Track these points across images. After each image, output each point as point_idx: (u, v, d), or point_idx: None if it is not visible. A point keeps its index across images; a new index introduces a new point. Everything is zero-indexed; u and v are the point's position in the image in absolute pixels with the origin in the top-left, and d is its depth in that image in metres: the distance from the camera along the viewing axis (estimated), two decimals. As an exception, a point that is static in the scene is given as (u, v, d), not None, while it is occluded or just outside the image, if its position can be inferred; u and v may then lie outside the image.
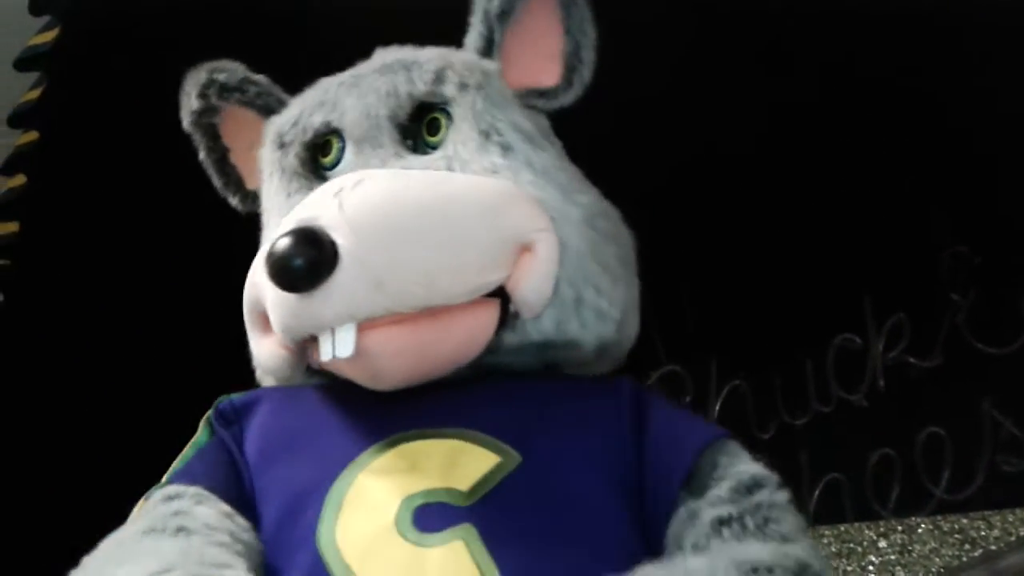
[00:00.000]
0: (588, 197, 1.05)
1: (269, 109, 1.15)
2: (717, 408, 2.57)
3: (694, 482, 0.91)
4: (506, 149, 1.01)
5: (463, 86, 1.03)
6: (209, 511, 0.89)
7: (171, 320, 2.75)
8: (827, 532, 2.35)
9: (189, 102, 1.18)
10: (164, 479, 0.97)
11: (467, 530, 0.85)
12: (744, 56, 2.35)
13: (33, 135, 2.76)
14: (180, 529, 0.87)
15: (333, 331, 0.91)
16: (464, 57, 1.08)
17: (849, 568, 2.32)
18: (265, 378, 1.07)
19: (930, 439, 2.26)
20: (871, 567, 2.30)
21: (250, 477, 0.95)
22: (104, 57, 2.58)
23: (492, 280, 0.94)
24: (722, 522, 0.87)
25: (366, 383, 0.96)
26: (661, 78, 2.31)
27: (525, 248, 0.96)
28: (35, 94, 2.70)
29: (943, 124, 2.19)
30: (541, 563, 0.82)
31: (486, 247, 0.94)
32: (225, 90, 1.16)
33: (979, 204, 2.18)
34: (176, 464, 0.98)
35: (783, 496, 0.91)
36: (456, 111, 1.03)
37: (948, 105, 2.19)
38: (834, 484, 2.40)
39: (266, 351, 1.02)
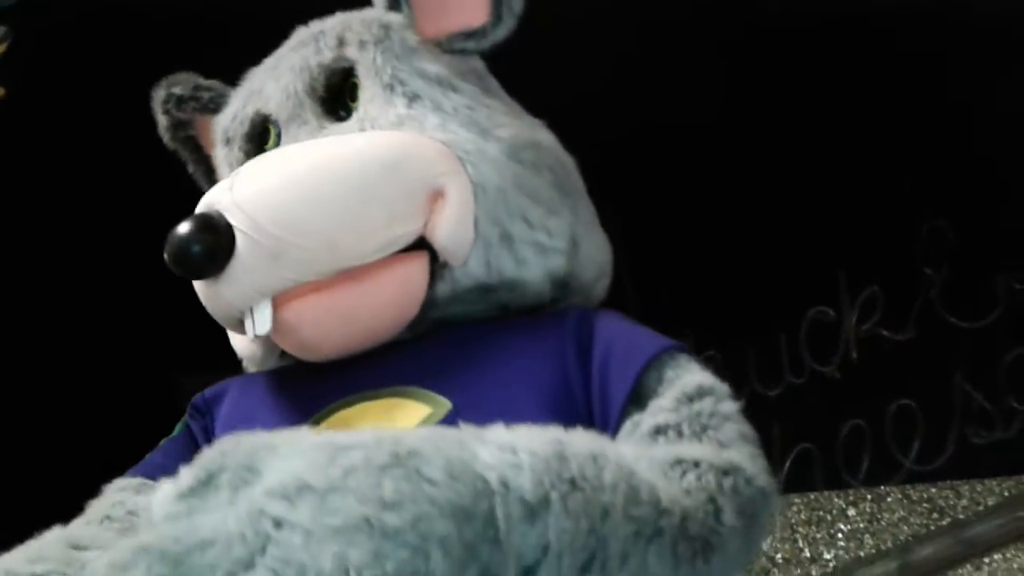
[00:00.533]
0: (511, 130, 1.01)
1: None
2: (690, 379, 2.57)
3: (641, 396, 0.89)
4: (412, 98, 1.00)
5: (362, 44, 1.02)
6: (144, 500, 0.90)
7: (143, 281, 2.72)
8: (797, 500, 2.37)
9: (158, 120, 1.18)
10: None
11: None
12: (725, 24, 2.33)
13: (-1, 91, 2.71)
14: (105, 518, 0.89)
15: (252, 310, 0.91)
16: (364, 15, 1.06)
17: (818, 535, 2.35)
18: (249, 366, 1.06)
19: (901, 411, 2.28)
20: (840, 535, 2.33)
21: None
22: (72, 12, 2.53)
23: (404, 233, 0.93)
24: (659, 430, 0.85)
25: (303, 356, 0.95)
26: (642, 44, 2.29)
27: (438, 194, 0.94)
28: (1, 48, 2.65)
29: (922, 97, 2.19)
30: None
31: (389, 200, 0.92)
32: (181, 101, 1.16)
33: (957, 179, 2.19)
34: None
35: (729, 406, 0.88)
36: (361, 70, 1.02)
37: (928, 78, 2.19)
38: (805, 454, 2.42)
39: (238, 341, 1.02)
